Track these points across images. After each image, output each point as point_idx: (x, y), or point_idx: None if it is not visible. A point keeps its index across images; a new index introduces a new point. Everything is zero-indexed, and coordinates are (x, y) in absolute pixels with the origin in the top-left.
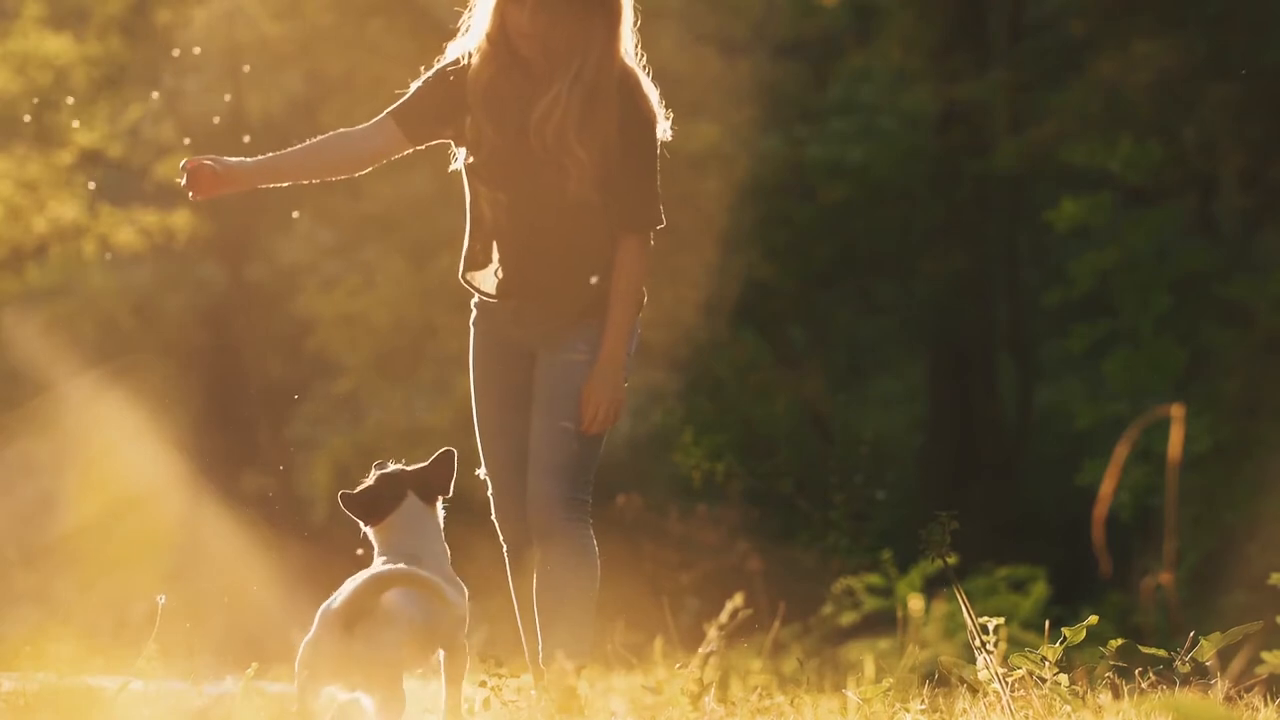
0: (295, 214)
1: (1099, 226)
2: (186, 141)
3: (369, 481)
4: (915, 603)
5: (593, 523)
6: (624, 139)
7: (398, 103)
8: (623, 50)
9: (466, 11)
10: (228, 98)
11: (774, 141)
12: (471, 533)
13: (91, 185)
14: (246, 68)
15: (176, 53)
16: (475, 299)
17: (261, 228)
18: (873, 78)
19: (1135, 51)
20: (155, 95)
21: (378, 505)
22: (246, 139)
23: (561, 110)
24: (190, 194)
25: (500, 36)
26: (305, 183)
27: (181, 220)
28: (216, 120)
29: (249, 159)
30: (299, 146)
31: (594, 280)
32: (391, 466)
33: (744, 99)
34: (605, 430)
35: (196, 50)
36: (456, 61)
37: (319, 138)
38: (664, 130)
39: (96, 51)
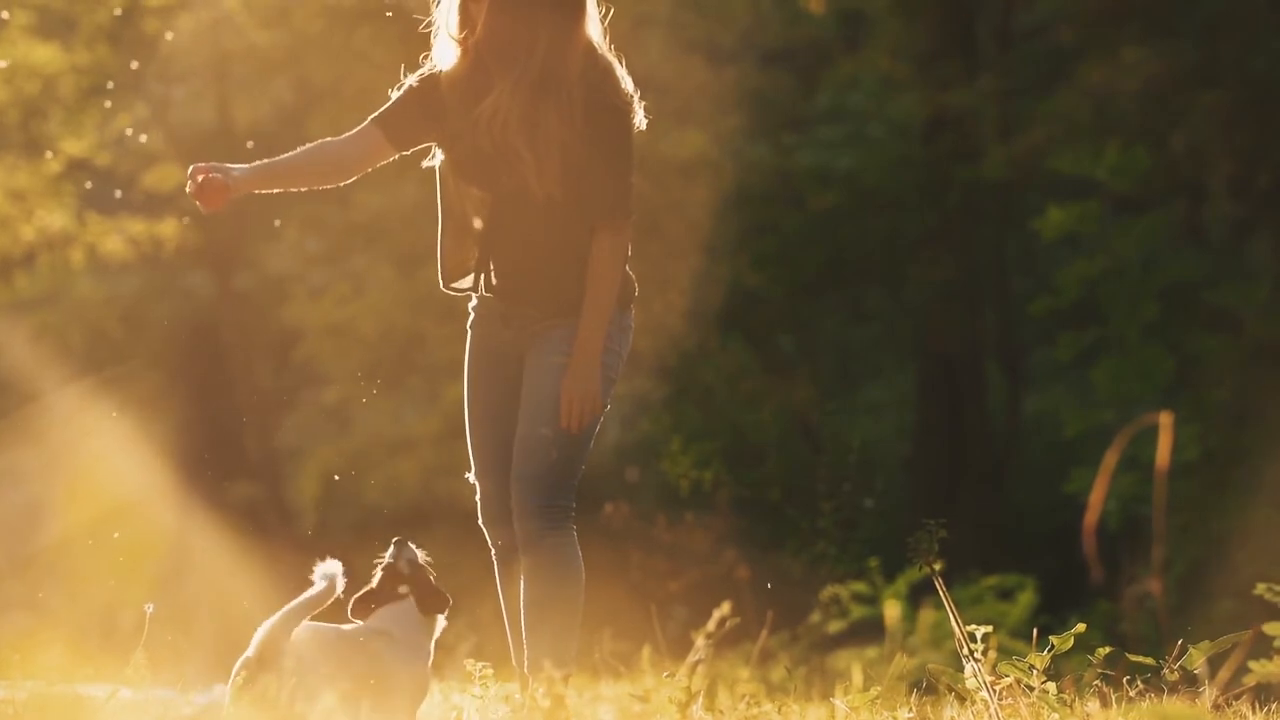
0: (277, 222)
1: (1087, 234)
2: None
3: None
4: (892, 610)
5: (577, 529)
6: (592, 129)
7: (381, 109)
8: (588, 43)
9: (434, 8)
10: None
11: (762, 149)
12: (461, 539)
13: (88, 185)
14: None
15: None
16: (471, 303)
17: (249, 237)
18: (861, 85)
19: (1124, 59)
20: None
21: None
22: (250, 144)
23: (504, 108)
24: (199, 204)
25: (465, 34)
26: (295, 190)
27: (169, 229)
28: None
29: (244, 165)
30: (287, 155)
31: (575, 279)
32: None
33: (732, 107)
34: (586, 431)
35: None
36: (438, 65)
37: (305, 146)
38: (639, 120)
39: (84, 60)
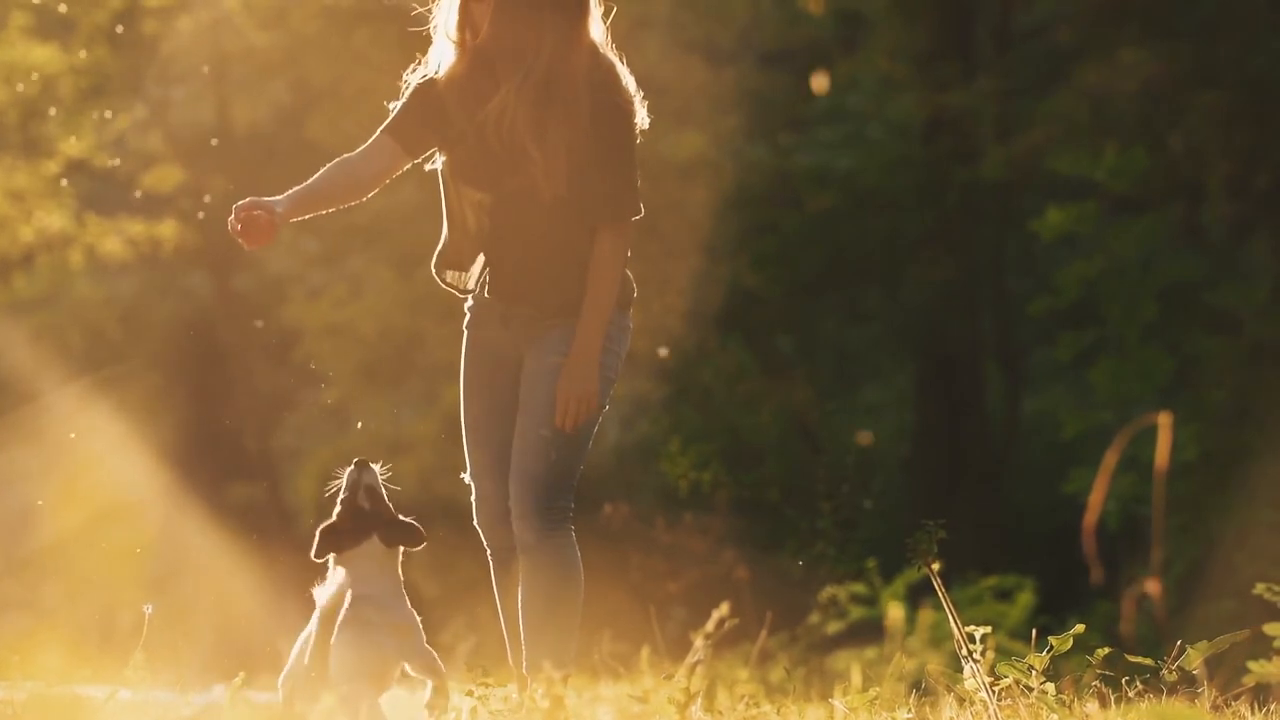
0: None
1: (1086, 235)
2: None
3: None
4: (895, 612)
5: (576, 530)
6: (596, 129)
7: (389, 119)
8: (591, 43)
9: (434, 8)
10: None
11: (760, 150)
12: (460, 540)
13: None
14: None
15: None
16: (468, 302)
17: None
18: (860, 86)
19: (1122, 59)
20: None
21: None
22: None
23: (511, 110)
24: (243, 243)
25: (466, 35)
26: (326, 212)
27: (168, 230)
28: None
29: (279, 198)
30: (312, 180)
31: (575, 279)
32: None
33: (730, 107)
34: (584, 431)
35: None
36: (438, 67)
37: (324, 169)
38: (642, 119)
39: (83, 61)
